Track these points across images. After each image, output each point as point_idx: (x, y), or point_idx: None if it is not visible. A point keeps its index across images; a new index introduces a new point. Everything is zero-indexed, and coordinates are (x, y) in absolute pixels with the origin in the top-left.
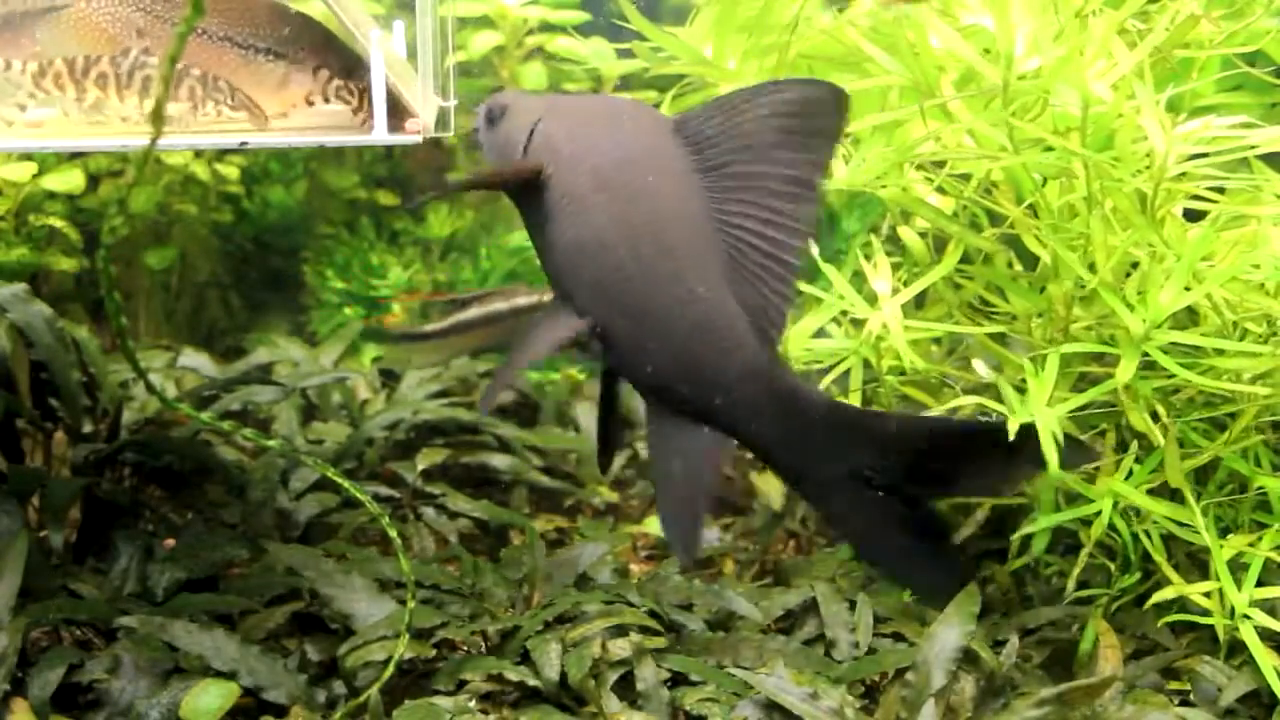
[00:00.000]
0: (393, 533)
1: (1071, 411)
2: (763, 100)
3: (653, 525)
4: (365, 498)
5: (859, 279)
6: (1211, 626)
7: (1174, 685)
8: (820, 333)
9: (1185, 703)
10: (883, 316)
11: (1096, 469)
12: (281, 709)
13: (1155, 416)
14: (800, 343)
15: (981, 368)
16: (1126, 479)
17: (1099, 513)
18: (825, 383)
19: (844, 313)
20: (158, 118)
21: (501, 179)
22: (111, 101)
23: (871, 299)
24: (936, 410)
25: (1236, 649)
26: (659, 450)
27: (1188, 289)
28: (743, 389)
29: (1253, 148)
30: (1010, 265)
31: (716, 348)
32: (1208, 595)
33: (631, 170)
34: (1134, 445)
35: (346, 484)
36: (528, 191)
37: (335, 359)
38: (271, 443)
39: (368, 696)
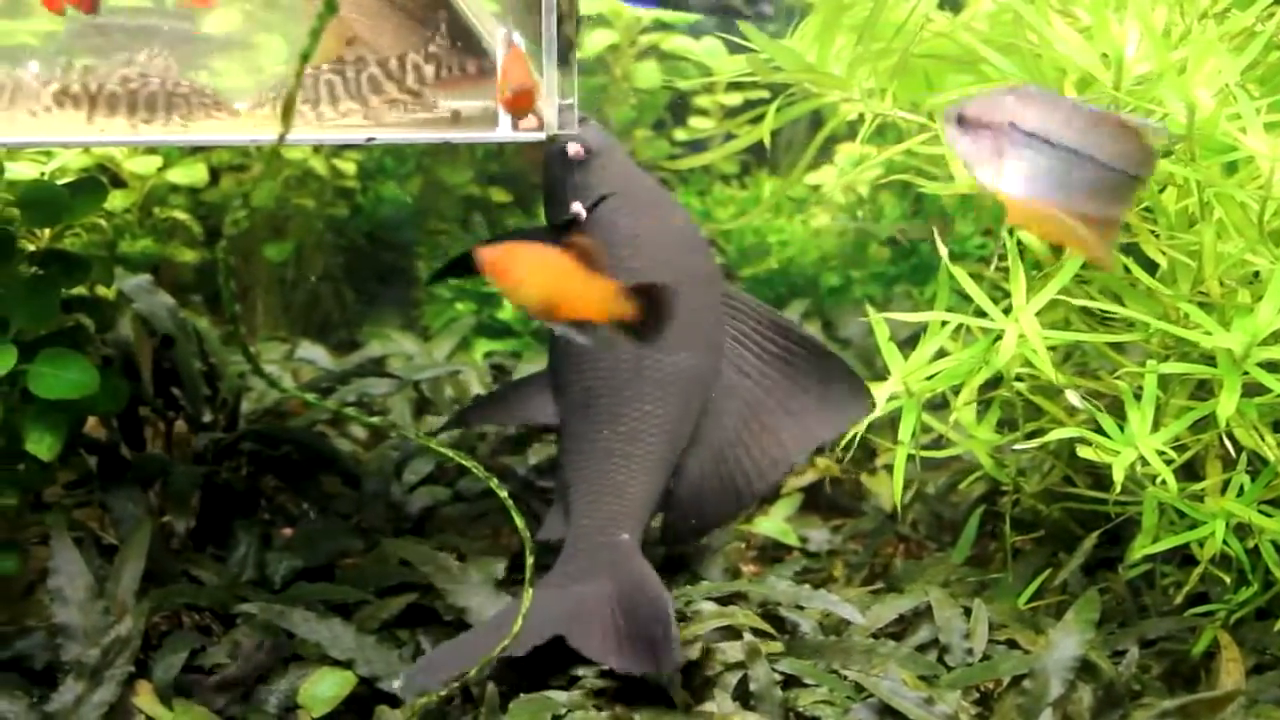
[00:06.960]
0: (519, 521)
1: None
2: None
3: (763, 525)
4: (493, 482)
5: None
6: None
7: None
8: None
9: None
10: (1019, 326)
11: None
12: (396, 699)
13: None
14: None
15: (1074, 398)
16: (1239, 494)
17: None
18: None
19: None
20: (288, 115)
21: None
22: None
23: None
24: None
25: None
26: None
27: None
28: None
29: None
30: (1128, 271)
31: None
32: None
33: None
34: (1243, 458)
35: (479, 470)
36: None
37: (448, 353)
38: (391, 427)
39: (483, 690)
